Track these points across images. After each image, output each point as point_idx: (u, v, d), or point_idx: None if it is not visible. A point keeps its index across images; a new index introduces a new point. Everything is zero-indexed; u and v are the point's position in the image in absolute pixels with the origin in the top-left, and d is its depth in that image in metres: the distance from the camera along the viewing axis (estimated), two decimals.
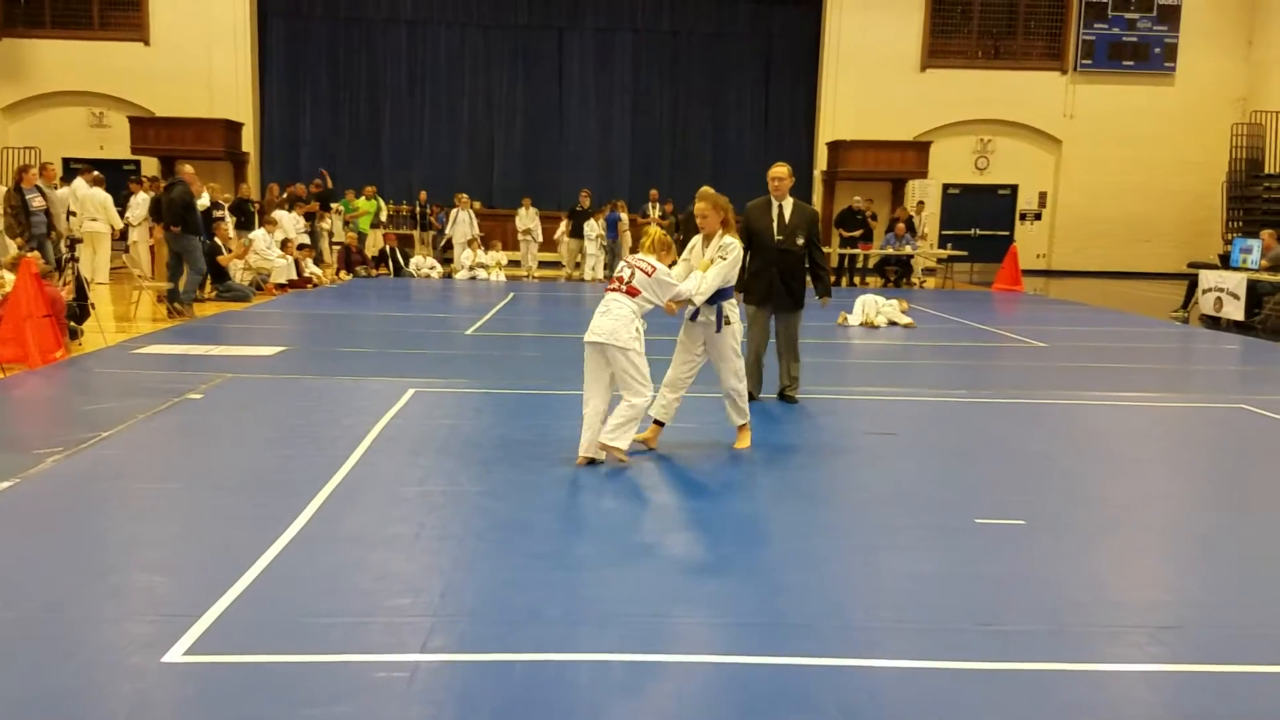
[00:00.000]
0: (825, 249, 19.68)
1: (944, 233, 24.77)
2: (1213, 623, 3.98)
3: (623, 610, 3.90)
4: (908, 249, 20.91)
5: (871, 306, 13.60)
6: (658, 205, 21.27)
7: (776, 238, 7.63)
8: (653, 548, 4.66)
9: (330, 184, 21.12)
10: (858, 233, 21.13)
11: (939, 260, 22.27)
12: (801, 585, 4.22)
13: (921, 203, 22.92)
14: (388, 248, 20.60)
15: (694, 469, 6.08)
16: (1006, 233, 25.36)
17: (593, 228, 20.72)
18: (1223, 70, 24.79)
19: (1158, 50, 24.81)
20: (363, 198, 21.27)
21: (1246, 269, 14.57)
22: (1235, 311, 14.26)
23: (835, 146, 24.25)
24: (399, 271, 20.33)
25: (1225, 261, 15.88)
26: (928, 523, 5.11)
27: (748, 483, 5.82)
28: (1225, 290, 14.60)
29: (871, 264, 21.49)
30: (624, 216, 20.77)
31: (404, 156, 25.11)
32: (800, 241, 7.70)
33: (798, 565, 4.47)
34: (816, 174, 25.09)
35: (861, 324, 13.38)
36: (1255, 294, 14.17)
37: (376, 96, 25.08)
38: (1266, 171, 23.53)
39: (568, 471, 5.85)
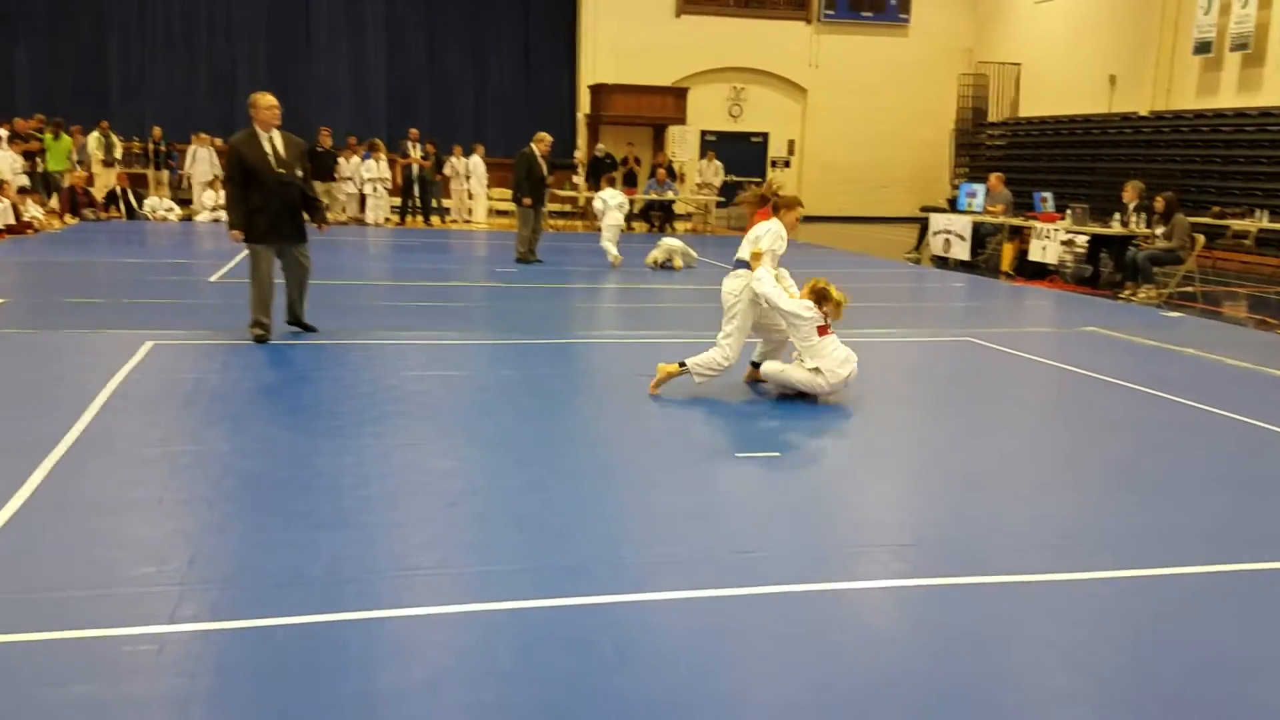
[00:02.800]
0: (581, 193, 19.47)
1: (699, 181, 25.43)
2: (947, 539, 4.33)
3: (389, 565, 3.79)
4: (669, 194, 21.32)
5: (677, 247, 14.08)
6: (418, 145, 20.62)
7: (277, 170, 7.54)
8: (418, 500, 4.54)
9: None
10: (613, 177, 21.22)
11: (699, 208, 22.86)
12: (573, 528, 4.24)
13: (712, 153, 23.32)
14: (119, 188, 18.94)
15: (460, 419, 5.98)
16: (759, 179, 26.30)
17: (356, 168, 19.89)
18: (952, 22, 26.60)
19: (894, 2, 26.28)
20: (50, 132, 19.08)
21: (971, 212, 15.81)
22: (962, 251, 15.48)
23: (597, 90, 24.28)
24: (132, 214, 18.76)
25: (953, 205, 17.16)
26: (693, 459, 5.27)
27: (513, 428, 5.79)
28: (953, 232, 15.81)
29: (636, 210, 21.76)
30: (382, 157, 20.07)
31: (134, 88, 23.05)
32: (300, 173, 7.74)
33: (569, 509, 4.49)
34: (580, 117, 25.07)
35: (662, 265, 13.97)
36: (979, 235, 15.43)
37: (101, 23, 22.81)
38: (990, 119, 25.57)
39: (324, 425, 5.61)
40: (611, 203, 14.49)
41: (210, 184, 19.64)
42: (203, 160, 19.98)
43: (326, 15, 24.06)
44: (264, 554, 3.84)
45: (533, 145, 14.32)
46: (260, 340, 7.69)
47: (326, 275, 12.32)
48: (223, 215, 18.77)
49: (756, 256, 6.46)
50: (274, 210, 7.57)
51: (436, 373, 6.98)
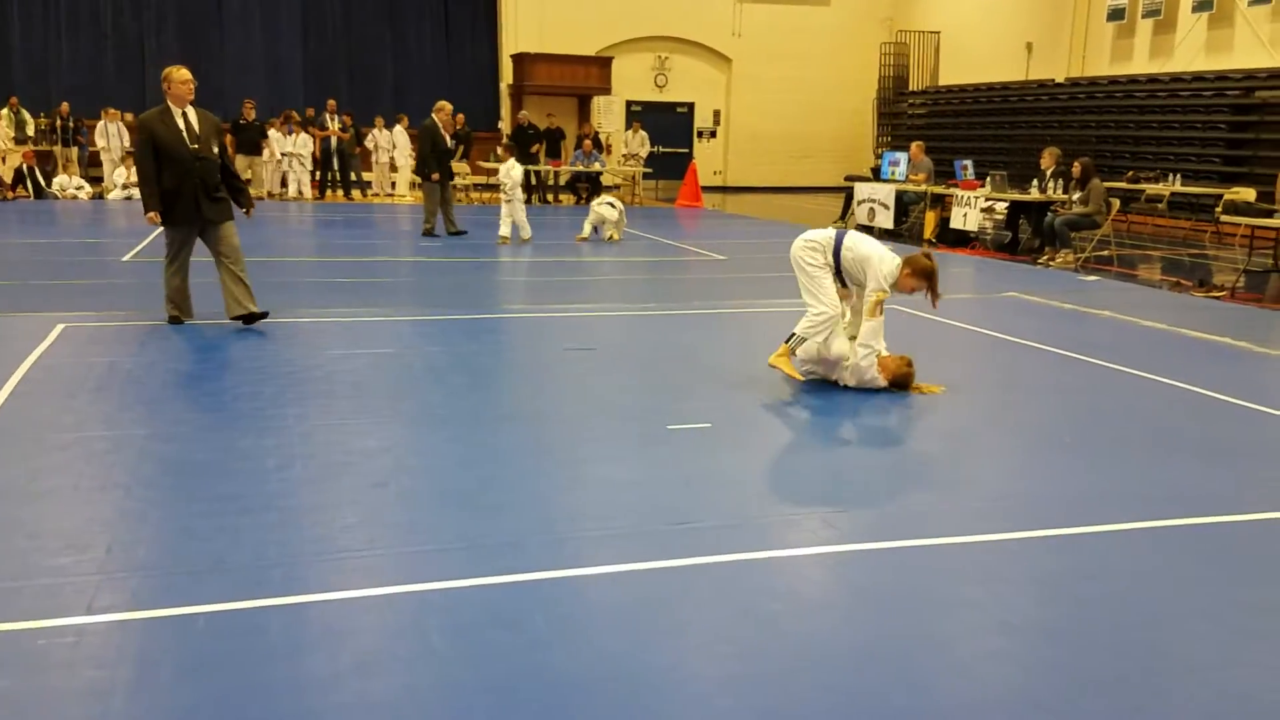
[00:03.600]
0: (496, 165, 19.07)
1: (625, 152, 25.36)
2: (874, 504, 4.39)
3: (316, 548, 3.71)
4: (596, 166, 21.20)
5: (610, 217, 13.87)
6: (336, 117, 20.20)
7: (191, 147, 7.19)
8: (344, 481, 4.46)
9: None
10: (537, 148, 21.07)
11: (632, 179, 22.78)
12: (505, 504, 4.20)
13: (638, 124, 23.15)
14: (25, 166, 18.22)
15: (387, 398, 5.88)
16: (686, 150, 26.33)
17: (280, 141, 19.43)
18: None
19: None
20: None
21: (895, 180, 15.99)
22: (886, 220, 15.66)
23: (520, 60, 23.99)
24: (40, 193, 18.08)
25: (876, 174, 17.35)
26: (625, 432, 5.25)
27: (442, 406, 5.71)
28: (877, 201, 15.99)
29: (563, 181, 21.63)
30: (300, 130, 19.65)
31: (39, 63, 22.13)
32: (215, 150, 7.38)
33: (501, 486, 4.45)
34: (503, 87, 24.75)
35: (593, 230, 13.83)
36: (902, 203, 15.63)
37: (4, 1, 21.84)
38: (911, 88, 25.87)
39: (246, 406, 5.48)
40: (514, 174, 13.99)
41: (122, 160, 19.01)
42: (113, 136, 19.33)
43: None
44: (185, 540, 3.74)
45: (434, 116, 13.98)
46: (175, 322, 7.53)
47: (246, 252, 12.02)
48: (135, 193, 18.35)
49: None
50: (190, 190, 7.20)
51: (361, 351, 6.86)
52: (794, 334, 6.12)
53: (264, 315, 7.44)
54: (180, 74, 7.26)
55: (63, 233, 13.93)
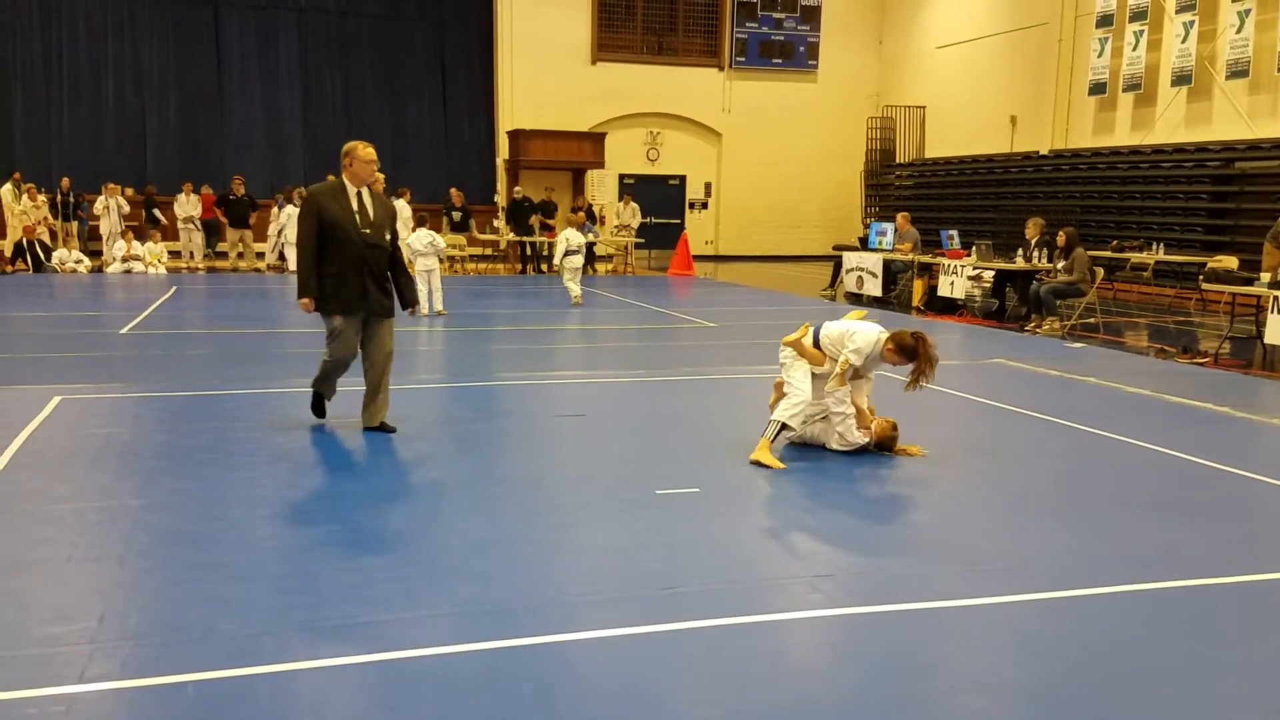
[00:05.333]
0: (503, 236, 19.46)
1: (618, 223, 25.73)
2: (860, 568, 4.44)
3: (306, 616, 3.75)
4: (590, 236, 21.47)
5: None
6: None
7: (363, 231, 6.33)
8: (335, 548, 4.50)
9: None
10: (545, 220, 21.45)
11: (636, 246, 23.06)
12: (494, 570, 4.25)
13: (628, 196, 23.58)
14: (25, 240, 18.44)
15: (382, 462, 5.94)
16: (678, 220, 26.71)
17: (280, 216, 19.74)
18: (858, 68, 27.44)
19: (802, 48, 27.03)
20: None
21: (882, 250, 16.24)
22: (874, 288, 15.88)
23: (515, 135, 24.45)
24: (39, 267, 18.27)
25: (864, 243, 17.62)
26: (614, 497, 5.31)
27: (438, 471, 5.77)
28: (865, 269, 16.22)
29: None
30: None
31: (40, 139, 22.53)
32: (388, 237, 6.51)
33: (490, 551, 4.49)
34: (499, 162, 25.19)
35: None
36: (890, 272, 15.86)
37: (7, 73, 22.32)
38: (898, 160, 26.35)
39: (239, 476, 5.54)
40: (574, 242, 14.59)
41: (122, 235, 19.26)
42: (112, 211, 19.62)
43: (238, 62, 23.88)
44: (176, 609, 3.78)
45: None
46: (317, 406, 6.80)
47: (243, 324, 12.17)
48: (135, 266, 18.57)
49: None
50: (357, 278, 6.31)
51: (354, 419, 6.93)
52: (773, 421, 6.20)
53: (392, 429, 6.57)
54: (366, 152, 6.47)
55: (61, 306, 14.07)
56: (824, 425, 6.41)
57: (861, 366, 6.20)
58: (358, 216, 6.35)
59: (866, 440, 6.30)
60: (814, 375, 6.34)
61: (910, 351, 6.06)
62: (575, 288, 14.14)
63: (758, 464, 6.01)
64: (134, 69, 23.21)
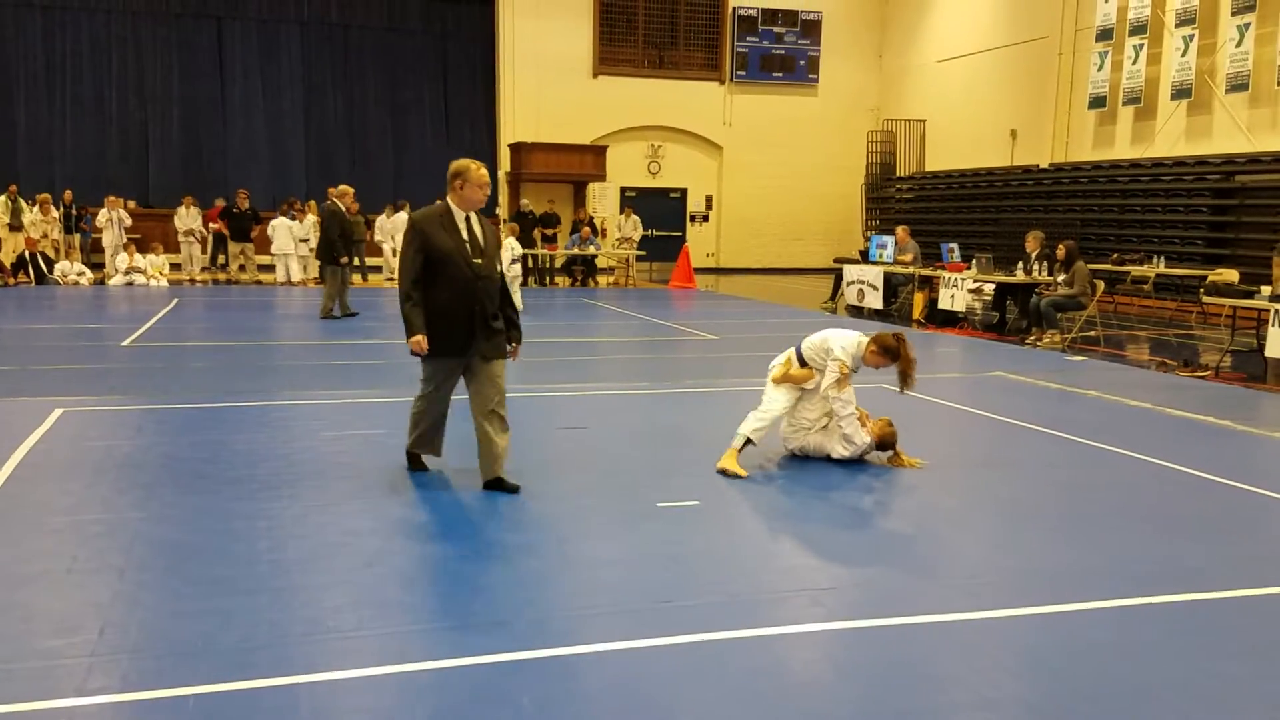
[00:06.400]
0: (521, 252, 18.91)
1: (619, 236, 25.78)
2: (862, 581, 4.43)
3: (305, 629, 3.75)
4: (591, 249, 21.54)
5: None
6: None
7: (474, 262, 5.55)
8: (335, 562, 4.50)
9: None
10: (545, 231, 21.54)
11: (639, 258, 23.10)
12: (494, 584, 4.24)
13: (629, 209, 23.63)
14: (28, 253, 18.48)
15: (379, 478, 5.93)
16: (679, 233, 26.75)
17: (291, 231, 19.81)
18: (858, 82, 27.52)
19: (803, 62, 27.12)
20: None
21: (883, 263, 16.26)
22: (875, 301, 15.89)
23: (517, 148, 24.53)
24: (42, 280, 18.31)
25: (865, 256, 17.64)
26: (615, 510, 5.31)
27: (435, 486, 5.77)
28: (866, 282, 16.24)
29: (559, 264, 21.97)
30: (309, 217, 20.04)
31: (43, 151, 22.61)
32: (498, 269, 5.79)
33: (490, 564, 4.49)
34: (501, 175, 25.26)
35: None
36: (891, 285, 15.87)
37: (9, 85, 22.43)
38: (898, 174, 26.39)
39: (240, 489, 5.54)
40: (515, 252, 14.17)
41: (124, 247, 19.31)
42: (115, 223, 19.67)
43: (241, 75, 23.98)
44: (176, 622, 3.77)
45: (336, 200, 14.11)
46: (414, 464, 6.05)
47: (243, 336, 12.18)
48: (137, 279, 18.59)
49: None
50: (465, 315, 5.53)
51: (355, 432, 6.94)
52: (739, 434, 6.29)
53: (515, 489, 5.67)
54: (480, 173, 5.62)
55: (63, 318, 14.09)
56: (823, 435, 6.42)
57: (853, 366, 6.27)
58: (468, 245, 5.55)
59: (870, 440, 6.33)
60: (807, 389, 6.38)
61: (893, 351, 6.17)
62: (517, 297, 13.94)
63: (723, 472, 6.11)
64: (137, 81, 23.31)
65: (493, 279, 5.66)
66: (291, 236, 19.87)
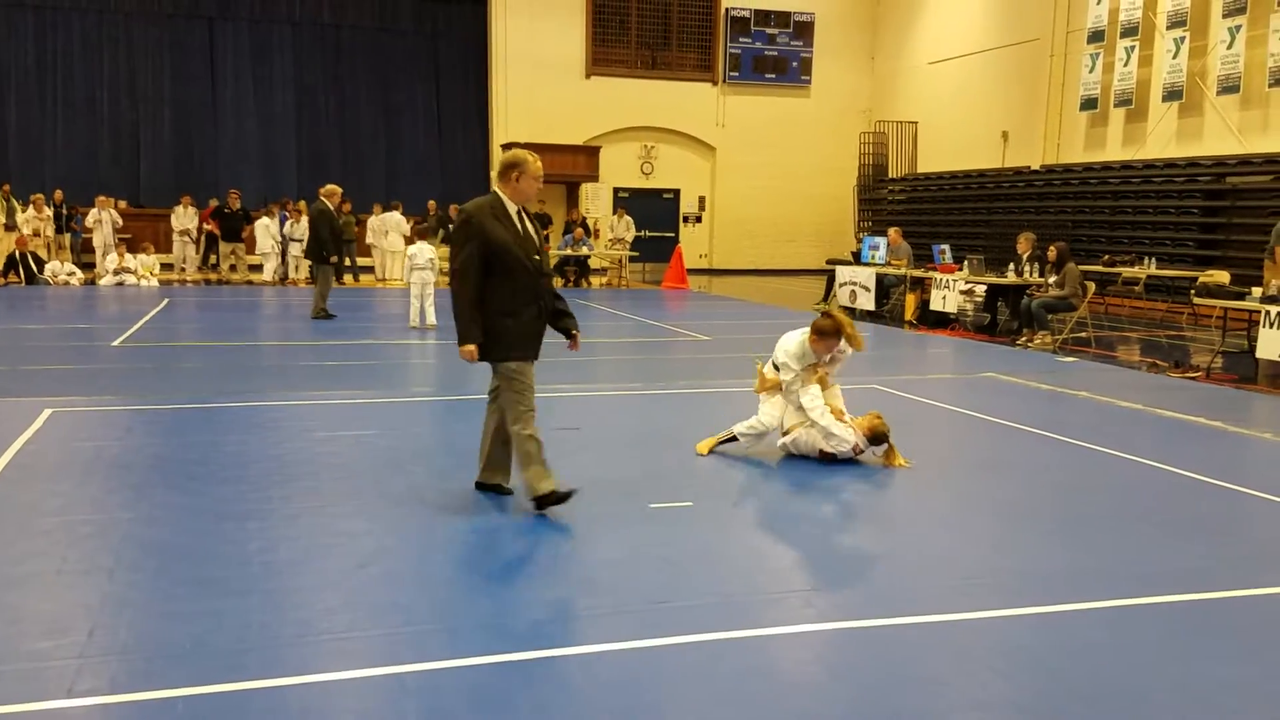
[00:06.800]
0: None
1: (612, 236, 25.76)
2: (854, 582, 4.43)
3: (296, 631, 3.73)
4: (584, 250, 21.53)
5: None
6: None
7: (534, 258, 5.22)
8: (326, 563, 4.48)
9: None
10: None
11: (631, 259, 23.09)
12: (486, 585, 4.23)
13: (622, 210, 23.66)
14: (18, 252, 18.41)
15: (372, 479, 5.92)
16: (672, 234, 26.76)
17: (270, 230, 19.79)
18: (851, 83, 27.57)
19: (795, 64, 27.15)
20: None
21: (875, 264, 16.28)
22: (867, 302, 15.90)
23: (509, 149, 24.33)
24: (32, 280, 18.23)
25: (857, 258, 17.65)
26: (608, 511, 5.29)
27: (426, 487, 5.75)
28: (858, 283, 16.25)
29: (551, 265, 21.96)
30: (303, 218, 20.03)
31: (34, 151, 22.54)
32: (551, 266, 5.52)
33: (482, 566, 4.48)
34: (494, 175, 25.20)
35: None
36: (883, 286, 15.89)
37: (0, 84, 22.35)
38: (890, 175, 26.43)
39: (231, 489, 5.51)
40: (420, 258, 13.19)
41: (115, 247, 19.26)
42: (105, 223, 19.62)
43: (233, 75, 23.93)
44: (166, 623, 3.75)
45: (325, 200, 14.06)
46: (560, 500, 5.19)
47: (234, 337, 12.15)
48: (127, 279, 18.53)
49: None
50: (534, 315, 5.24)
51: (348, 433, 6.92)
52: (731, 429, 6.61)
53: (508, 492, 5.46)
54: (538, 165, 5.34)
55: (53, 318, 14.03)
56: (810, 431, 6.42)
57: (800, 366, 6.36)
58: (525, 241, 5.20)
59: (856, 438, 6.36)
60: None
61: (830, 329, 6.27)
62: (420, 305, 12.98)
63: (699, 453, 6.52)
64: (128, 81, 23.25)
65: (550, 276, 5.40)
66: (270, 235, 19.91)
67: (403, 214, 21.15)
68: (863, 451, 6.42)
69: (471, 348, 5.15)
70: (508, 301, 5.13)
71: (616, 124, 25.83)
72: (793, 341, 6.40)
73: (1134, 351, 12.77)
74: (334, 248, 13.96)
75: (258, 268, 20.44)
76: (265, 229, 19.90)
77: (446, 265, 18.14)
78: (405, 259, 13.46)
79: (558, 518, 5.15)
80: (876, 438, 6.41)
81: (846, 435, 6.33)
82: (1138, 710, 3.31)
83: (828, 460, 6.38)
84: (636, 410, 8.24)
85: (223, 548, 4.60)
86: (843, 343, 6.34)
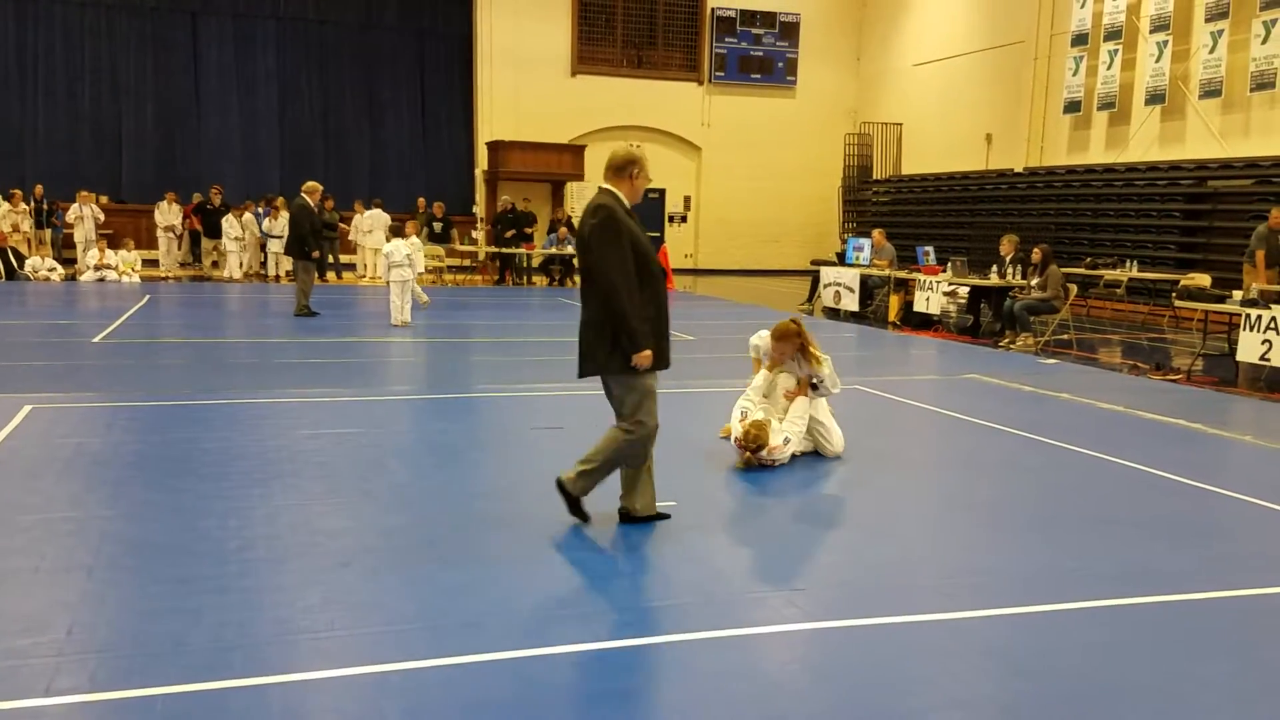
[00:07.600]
0: (485, 248, 18.90)
1: None
2: (837, 582, 4.44)
3: (276, 629, 3.71)
4: (568, 248, 21.48)
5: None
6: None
7: (655, 259, 5.01)
8: (307, 561, 4.46)
9: None
10: (510, 233, 21.50)
11: None
12: (469, 585, 4.22)
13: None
14: None
15: (353, 477, 5.90)
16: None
17: (233, 225, 19.71)
18: (836, 84, 27.63)
19: (781, 64, 27.20)
20: None
21: (859, 265, 16.33)
22: (851, 303, 15.95)
23: (495, 147, 24.45)
24: (12, 275, 18.08)
25: (842, 259, 17.71)
26: (591, 510, 5.27)
27: (408, 486, 5.74)
28: (842, 284, 16.30)
29: (536, 264, 21.92)
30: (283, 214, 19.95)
31: (14, 145, 22.34)
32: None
33: (465, 565, 4.47)
34: (479, 174, 25.18)
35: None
36: (867, 287, 15.94)
37: None
38: (874, 177, 26.51)
39: (211, 487, 5.48)
40: (397, 255, 13.09)
41: (95, 243, 19.12)
42: (86, 219, 19.48)
43: (216, 70, 23.78)
44: (145, 622, 3.73)
45: (306, 196, 14.04)
46: (571, 508, 5.09)
47: (215, 333, 12.08)
48: (108, 275, 18.39)
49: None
50: (665, 318, 4.96)
51: (329, 430, 6.89)
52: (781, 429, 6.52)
53: (573, 507, 5.11)
54: (645, 164, 5.02)
55: (33, 314, 13.92)
56: (810, 435, 6.54)
57: (754, 354, 6.89)
58: (649, 244, 4.91)
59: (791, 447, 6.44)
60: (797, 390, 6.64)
61: (788, 332, 6.49)
62: (399, 303, 13.14)
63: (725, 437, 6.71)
64: (111, 76, 23.07)
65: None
66: (235, 231, 19.92)
67: (384, 210, 21.08)
68: (749, 451, 6.28)
69: (649, 354, 4.81)
70: (651, 307, 4.84)
71: (602, 123, 25.80)
72: (760, 337, 6.87)
73: (1115, 354, 12.85)
74: (315, 243, 13.91)
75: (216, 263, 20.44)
76: (230, 224, 19.86)
77: (432, 263, 18.03)
78: (383, 257, 13.39)
79: (543, 518, 5.14)
80: (748, 444, 6.24)
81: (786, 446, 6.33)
82: (1117, 708, 3.33)
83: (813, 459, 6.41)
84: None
85: (202, 545, 4.57)
86: (805, 362, 6.48)
